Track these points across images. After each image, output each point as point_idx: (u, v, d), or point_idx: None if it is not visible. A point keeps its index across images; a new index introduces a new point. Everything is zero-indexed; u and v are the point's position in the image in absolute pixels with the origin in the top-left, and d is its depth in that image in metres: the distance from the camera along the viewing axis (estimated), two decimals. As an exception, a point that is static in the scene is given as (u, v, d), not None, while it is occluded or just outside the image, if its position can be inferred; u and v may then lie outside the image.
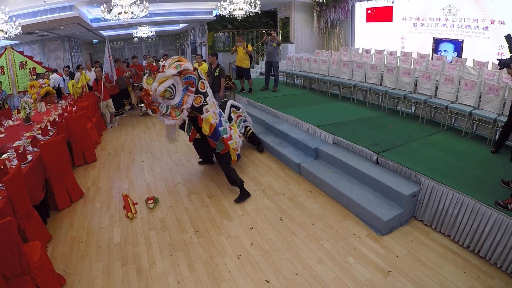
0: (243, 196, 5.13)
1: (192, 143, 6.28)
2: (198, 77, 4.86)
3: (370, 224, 4.35)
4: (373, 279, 3.43)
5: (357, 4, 14.31)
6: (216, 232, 4.28)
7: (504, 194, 3.87)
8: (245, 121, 6.80)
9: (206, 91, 5.01)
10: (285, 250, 3.90)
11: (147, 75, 4.64)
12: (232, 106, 6.45)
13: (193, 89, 4.73)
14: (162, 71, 4.43)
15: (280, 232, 4.25)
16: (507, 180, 4.18)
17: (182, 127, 5.90)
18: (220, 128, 5.22)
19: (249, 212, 4.76)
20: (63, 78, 11.86)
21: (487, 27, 10.18)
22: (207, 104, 4.95)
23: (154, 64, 10.67)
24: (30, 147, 5.16)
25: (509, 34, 4.28)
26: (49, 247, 4.06)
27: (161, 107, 4.52)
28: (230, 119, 6.29)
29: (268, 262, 3.71)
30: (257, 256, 3.80)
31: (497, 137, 5.50)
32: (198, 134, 5.69)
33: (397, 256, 3.78)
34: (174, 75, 4.45)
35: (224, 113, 6.10)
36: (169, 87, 4.42)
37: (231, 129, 5.84)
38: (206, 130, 4.97)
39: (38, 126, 6.41)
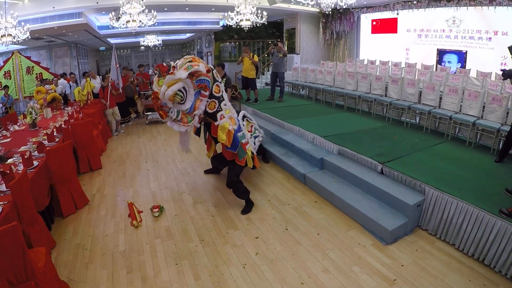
0: (249, 207, 5.04)
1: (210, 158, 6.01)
2: (213, 80, 4.58)
3: (375, 234, 4.35)
4: (379, 288, 3.44)
5: (363, 16, 14.45)
6: (221, 241, 4.27)
7: (508, 203, 3.89)
8: (256, 136, 6.44)
9: (221, 95, 4.75)
10: (290, 259, 3.89)
11: (157, 75, 4.38)
12: (245, 116, 6.24)
13: (207, 93, 4.47)
14: (172, 73, 4.17)
15: (285, 241, 4.24)
16: (511, 189, 4.21)
17: (197, 132, 5.71)
18: (239, 134, 4.95)
19: (254, 221, 4.75)
20: (69, 84, 11.95)
21: (490, 38, 10.30)
22: (221, 110, 4.70)
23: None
24: (36, 153, 5.16)
25: None
26: (53, 253, 4.06)
27: (171, 112, 4.29)
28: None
29: (274, 271, 3.70)
30: (263, 265, 3.79)
31: (500, 146, 5.56)
32: (215, 149, 5.29)
33: (402, 265, 3.78)
34: (184, 78, 4.18)
35: None
36: (179, 90, 4.16)
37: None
38: (222, 138, 4.69)
39: (44, 132, 6.41)
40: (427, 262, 3.84)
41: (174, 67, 4.24)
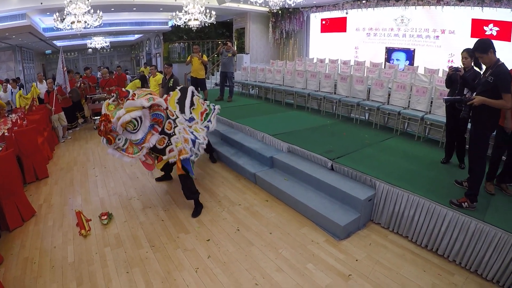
0: (199, 210, 4.97)
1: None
2: (167, 117, 4.58)
3: (328, 230, 4.39)
4: (334, 284, 3.46)
5: (312, 15, 14.66)
6: (172, 246, 4.18)
7: (458, 194, 4.04)
8: (208, 122, 6.06)
9: (172, 132, 4.67)
10: (243, 261, 3.86)
11: (112, 99, 4.24)
12: (192, 92, 5.97)
13: (159, 129, 4.45)
14: (133, 99, 4.10)
15: (237, 242, 4.21)
16: (460, 180, 4.39)
17: None
18: (192, 158, 4.87)
19: (205, 224, 4.68)
20: (11, 90, 11.41)
21: (437, 37, 10.76)
22: (170, 144, 4.63)
23: (108, 75, 10.32)
24: (-24, 164, 4.87)
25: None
26: (1, 269, 3.85)
27: (119, 139, 4.15)
28: (192, 104, 5.85)
29: (227, 273, 3.66)
30: (215, 268, 3.74)
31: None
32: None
33: (357, 260, 3.84)
34: (144, 107, 4.16)
35: (186, 99, 5.72)
36: (135, 119, 4.12)
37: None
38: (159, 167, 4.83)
39: (-14, 141, 6.08)
40: (381, 255, 3.92)
41: (134, 94, 4.19)
